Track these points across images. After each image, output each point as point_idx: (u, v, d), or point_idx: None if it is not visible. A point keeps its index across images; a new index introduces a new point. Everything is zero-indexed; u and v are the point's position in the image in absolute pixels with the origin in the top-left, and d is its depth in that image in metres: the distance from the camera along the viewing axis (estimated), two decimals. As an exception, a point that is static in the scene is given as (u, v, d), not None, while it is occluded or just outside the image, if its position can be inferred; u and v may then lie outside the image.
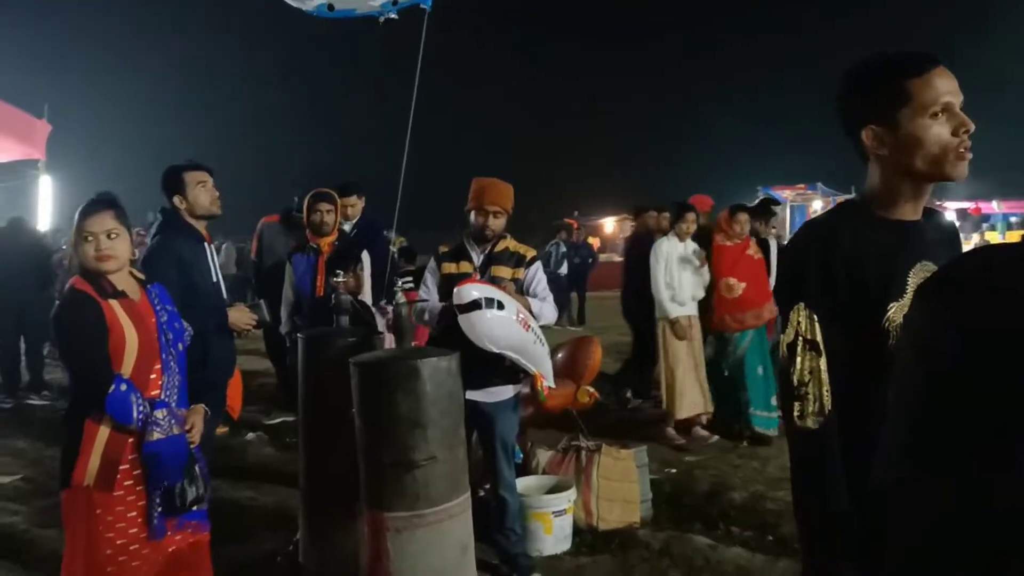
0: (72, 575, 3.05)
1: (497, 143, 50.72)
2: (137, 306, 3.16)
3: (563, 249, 16.09)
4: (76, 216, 3.13)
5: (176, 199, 4.10)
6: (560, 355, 5.62)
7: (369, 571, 3.78)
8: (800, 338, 1.75)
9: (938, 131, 1.77)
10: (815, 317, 1.75)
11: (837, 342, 1.74)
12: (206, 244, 4.09)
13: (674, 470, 6.08)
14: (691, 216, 6.87)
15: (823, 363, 1.74)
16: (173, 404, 3.16)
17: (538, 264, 4.39)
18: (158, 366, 3.16)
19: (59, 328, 3.05)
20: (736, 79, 47.20)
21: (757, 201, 9.13)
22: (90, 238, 3.07)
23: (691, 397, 6.74)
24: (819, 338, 1.74)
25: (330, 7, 4.71)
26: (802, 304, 1.76)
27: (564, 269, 15.90)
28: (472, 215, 4.35)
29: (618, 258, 27.95)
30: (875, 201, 1.88)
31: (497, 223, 4.30)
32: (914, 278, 1.78)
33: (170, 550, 3.15)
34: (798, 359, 1.75)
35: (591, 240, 26.47)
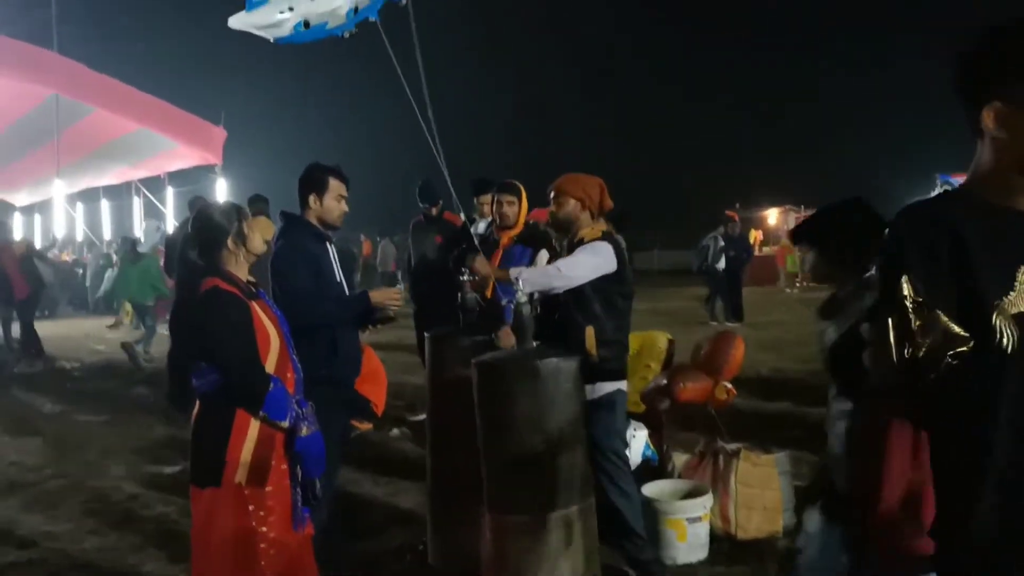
0: (219, 569, 3.14)
1: (658, 132, 49.95)
2: (269, 307, 3.28)
3: (721, 243, 15.62)
4: (237, 213, 3.30)
5: (312, 198, 4.13)
6: (702, 349, 5.41)
7: (492, 574, 3.73)
8: (912, 302, 1.49)
9: None
10: (921, 285, 1.51)
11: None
12: (328, 244, 4.13)
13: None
14: None
15: (940, 313, 1.48)
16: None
17: (593, 242, 4.06)
18: (291, 364, 3.26)
19: (213, 328, 3.11)
20: (906, 61, 44.63)
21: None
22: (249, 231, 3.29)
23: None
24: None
25: (306, 24, 4.74)
26: (907, 276, 1.52)
27: (722, 263, 15.45)
28: None
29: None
30: (985, 186, 1.63)
31: (562, 207, 4.16)
32: None
33: (299, 540, 3.26)
34: (912, 318, 1.49)
35: (753, 233, 25.78)
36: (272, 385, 3.08)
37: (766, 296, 17.86)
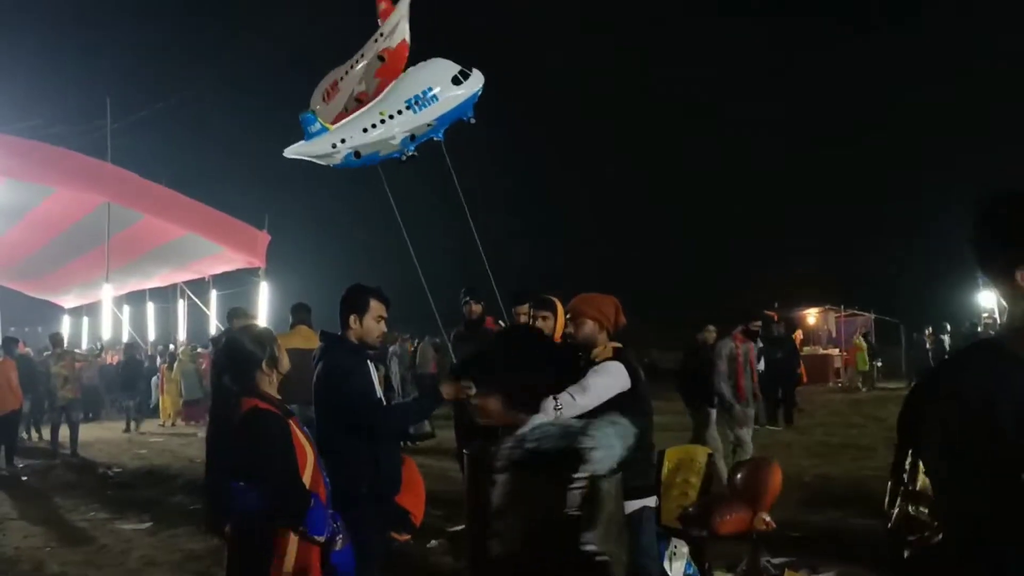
0: None
1: (696, 231, 50.21)
2: (298, 423, 3.37)
3: (760, 344, 15.46)
4: (269, 339, 3.43)
5: (352, 318, 4.24)
6: (739, 476, 5.33)
7: None
8: (910, 487, 1.54)
9: None
10: (920, 464, 1.55)
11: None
12: (369, 362, 4.21)
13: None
14: None
15: (923, 509, 1.53)
16: None
17: (604, 363, 4.11)
18: (322, 477, 3.32)
19: (257, 447, 3.21)
20: (946, 162, 44.76)
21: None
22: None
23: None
24: (924, 488, 1.56)
25: (356, 155, 4.95)
26: (913, 451, 1.56)
27: (762, 365, 15.25)
28: None
29: (822, 351, 26.77)
30: (1017, 341, 1.65)
31: (580, 329, 4.21)
32: None
33: None
34: (908, 507, 1.54)
35: (795, 334, 25.57)
36: (313, 502, 3.13)
37: (807, 398, 17.60)
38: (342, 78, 5.31)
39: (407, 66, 5.12)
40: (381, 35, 4.71)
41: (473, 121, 5.19)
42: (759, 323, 9.48)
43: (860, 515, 7.44)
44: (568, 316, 4.30)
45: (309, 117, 4.98)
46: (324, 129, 5.00)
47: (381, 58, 4.64)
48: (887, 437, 12.04)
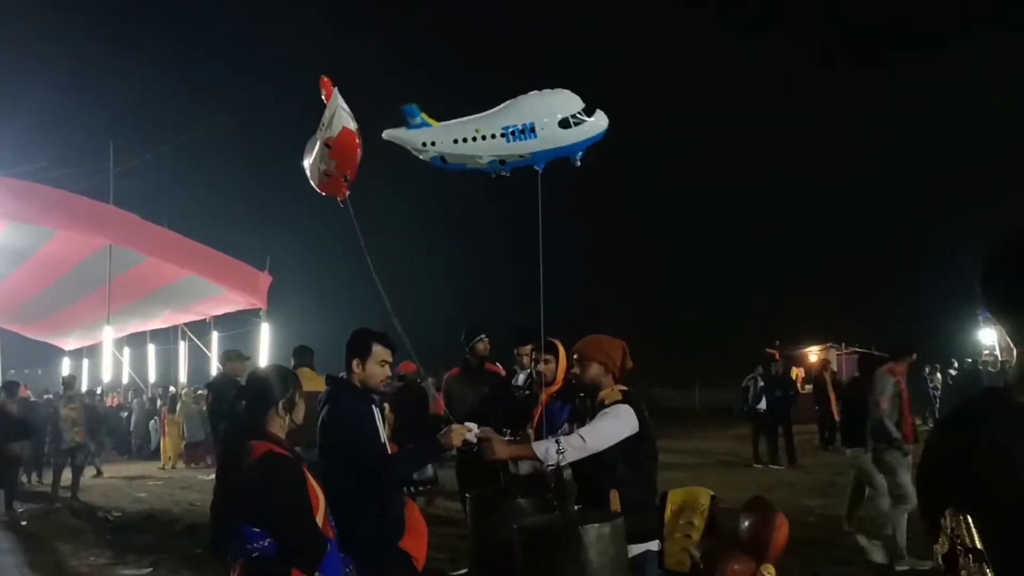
0: None
1: (695, 270, 50.31)
2: (307, 468, 3.37)
3: (761, 383, 15.46)
4: (294, 382, 3.45)
5: (355, 363, 4.25)
6: (742, 524, 5.29)
7: None
8: (959, 547, 1.53)
9: None
10: (970, 521, 1.53)
11: (996, 556, 1.52)
12: (374, 407, 4.22)
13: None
14: None
15: (989, 572, 1.51)
16: None
17: (613, 406, 4.07)
18: (330, 522, 3.34)
19: (274, 494, 3.17)
20: (947, 197, 45.03)
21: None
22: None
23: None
24: (979, 545, 1.52)
25: (443, 159, 4.93)
26: (952, 510, 1.55)
27: (763, 404, 15.25)
28: None
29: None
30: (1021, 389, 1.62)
31: (585, 371, 4.21)
32: None
33: None
34: (963, 572, 1.53)
35: (795, 371, 25.53)
36: (330, 546, 3.18)
37: (810, 437, 17.52)
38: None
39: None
40: (322, 125, 4.67)
41: (578, 164, 4.98)
42: (914, 356, 8.51)
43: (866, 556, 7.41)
44: (574, 357, 4.31)
45: (413, 109, 4.95)
46: (425, 123, 4.95)
47: (328, 146, 4.62)
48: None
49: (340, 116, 4.60)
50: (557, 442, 3.91)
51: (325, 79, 4.73)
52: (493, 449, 4.06)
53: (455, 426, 4.19)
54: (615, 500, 3.97)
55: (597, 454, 3.99)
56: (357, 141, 4.68)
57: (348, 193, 4.77)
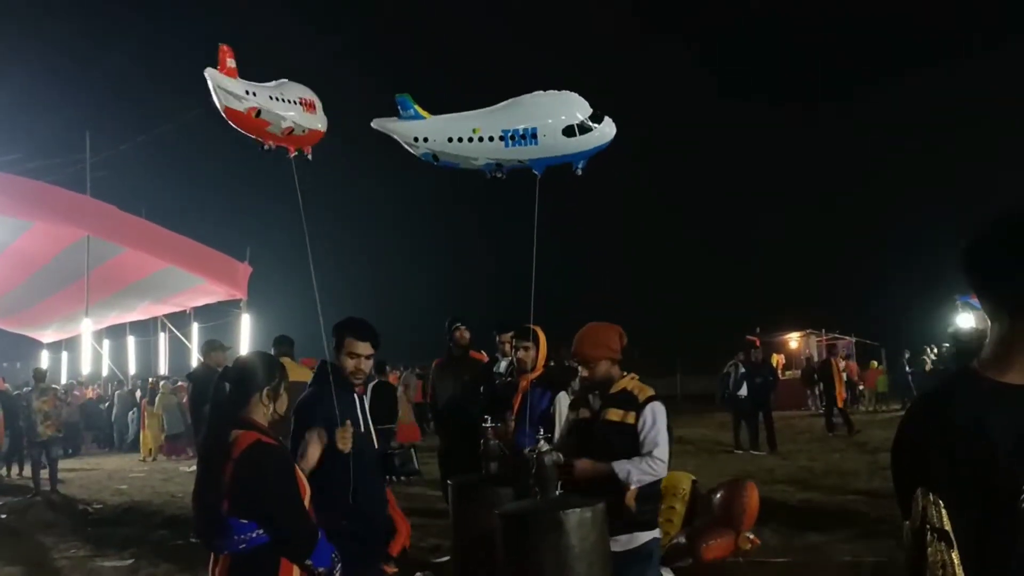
0: None
1: (678, 257, 50.45)
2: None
3: (742, 370, 15.50)
4: (280, 372, 3.40)
5: (335, 352, 4.24)
6: (716, 498, 5.35)
7: None
8: (928, 527, 1.55)
9: None
10: (940, 503, 1.55)
11: (967, 531, 1.53)
12: (356, 395, 4.18)
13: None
14: None
15: (955, 556, 1.53)
16: None
17: (652, 407, 4.07)
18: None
19: (265, 485, 3.15)
20: (925, 183, 45.37)
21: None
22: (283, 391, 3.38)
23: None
24: (948, 527, 1.54)
25: (435, 157, 4.81)
26: (923, 489, 1.56)
27: (744, 391, 15.29)
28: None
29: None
30: (998, 367, 1.63)
31: (594, 371, 4.18)
32: None
33: None
34: (929, 550, 1.55)
35: (775, 357, 25.65)
36: (320, 535, 3.19)
37: (789, 423, 17.64)
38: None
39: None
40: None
41: (580, 172, 4.79)
42: None
43: (846, 540, 7.47)
44: (576, 361, 4.27)
45: (405, 100, 4.80)
46: (419, 115, 4.76)
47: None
48: (870, 462, 12.10)
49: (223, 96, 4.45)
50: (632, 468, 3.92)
51: (224, 47, 4.57)
52: (574, 471, 4.02)
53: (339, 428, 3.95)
54: (632, 494, 3.94)
55: (607, 445, 4.01)
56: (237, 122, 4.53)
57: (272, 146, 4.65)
